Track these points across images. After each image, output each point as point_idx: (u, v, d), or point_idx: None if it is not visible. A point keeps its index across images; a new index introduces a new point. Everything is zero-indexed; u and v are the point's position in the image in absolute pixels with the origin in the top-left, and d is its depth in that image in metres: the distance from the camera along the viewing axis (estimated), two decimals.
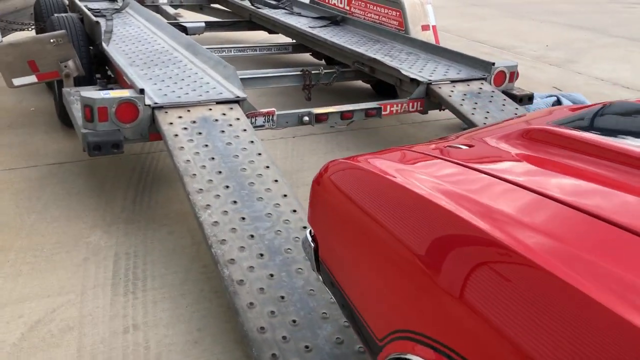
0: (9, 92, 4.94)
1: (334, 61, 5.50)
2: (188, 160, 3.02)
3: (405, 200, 1.51)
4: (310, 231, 1.99)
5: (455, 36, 9.18)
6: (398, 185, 1.55)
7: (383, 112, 4.18)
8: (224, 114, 3.44)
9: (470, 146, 1.80)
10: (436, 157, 1.71)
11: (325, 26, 5.98)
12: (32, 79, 4.12)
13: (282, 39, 6.65)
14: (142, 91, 3.38)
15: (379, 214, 1.59)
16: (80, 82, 4.19)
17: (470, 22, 10.85)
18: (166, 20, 6.12)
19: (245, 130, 3.34)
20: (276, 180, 2.98)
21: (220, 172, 2.97)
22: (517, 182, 1.40)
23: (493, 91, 4.28)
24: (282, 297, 2.32)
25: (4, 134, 4.57)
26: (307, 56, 6.56)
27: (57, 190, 3.71)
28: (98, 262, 2.97)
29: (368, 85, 6.00)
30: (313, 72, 5.08)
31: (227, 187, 2.88)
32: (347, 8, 6.23)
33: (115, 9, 5.86)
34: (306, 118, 3.94)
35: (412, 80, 4.31)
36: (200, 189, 2.83)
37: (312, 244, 1.94)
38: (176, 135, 3.20)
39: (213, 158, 3.07)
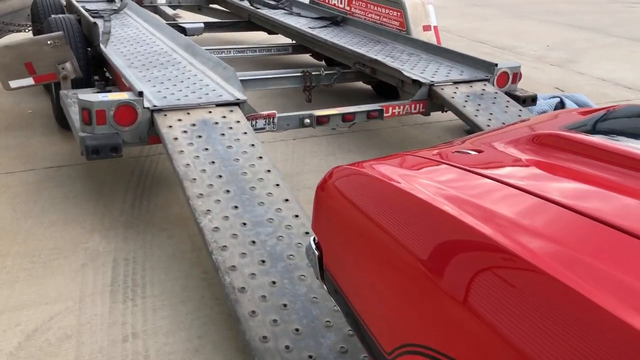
0: (5, 94, 4.88)
1: (335, 62, 5.45)
2: (188, 164, 2.97)
3: (412, 207, 1.46)
4: (314, 238, 1.94)
5: (456, 36, 9.14)
6: (405, 192, 1.50)
7: (385, 114, 4.13)
8: (224, 117, 3.39)
9: (478, 151, 1.75)
10: (445, 163, 1.66)
11: (325, 27, 5.93)
12: (29, 81, 4.06)
13: (281, 39, 6.60)
14: (140, 94, 3.32)
15: (386, 221, 1.54)
16: (78, 84, 4.14)
17: (471, 22, 10.80)
18: (165, 21, 6.08)
19: (245, 133, 3.29)
20: (277, 185, 2.93)
21: (220, 176, 2.92)
22: (530, 190, 1.35)
23: (496, 92, 4.23)
24: (285, 305, 2.27)
25: (1, 136, 4.52)
26: (307, 57, 6.51)
27: (55, 193, 3.65)
28: (96, 268, 2.92)
29: (369, 87, 5.95)
30: (314, 73, 5.02)
31: (228, 191, 2.82)
32: (348, 8, 6.18)
33: (114, 9, 5.81)
34: (307, 120, 3.89)
35: (414, 81, 4.26)
36: (201, 194, 2.78)
37: (316, 252, 1.89)
38: (176, 138, 3.15)
39: (213, 162, 3.01)
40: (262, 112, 3.73)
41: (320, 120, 3.93)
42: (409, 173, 1.67)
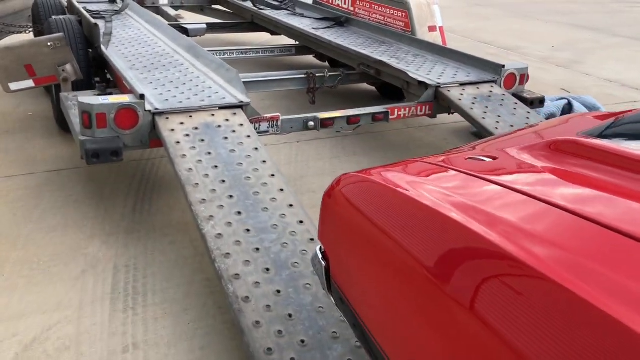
0: (6, 97, 4.82)
1: (338, 63, 5.39)
2: (190, 169, 2.90)
3: (426, 218, 1.39)
4: (320, 248, 1.87)
5: (460, 37, 9.06)
6: (418, 201, 1.43)
7: (391, 117, 4.06)
8: (227, 120, 3.32)
9: (493, 158, 1.68)
10: (458, 171, 1.58)
11: (329, 27, 5.86)
12: (29, 83, 4.00)
13: (284, 40, 6.53)
14: (142, 96, 3.26)
15: (396, 231, 1.48)
16: (78, 86, 4.08)
17: (475, 22, 10.73)
18: (167, 22, 6.01)
19: (249, 136, 3.22)
20: (282, 190, 2.86)
21: (223, 181, 2.85)
22: (548, 200, 1.28)
23: (504, 94, 4.16)
24: (290, 315, 2.20)
25: (1, 140, 4.46)
26: (310, 58, 6.44)
27: (55, 198, 3.59)
28: (97, 275, 2.85)
29: (373, 88, 5.88)
30: (317, 75, 4.96)
31: (231, 196, 2.76)
32: (352, 9, 6.11)
33: (115, 10, 5.75)
34: (311, 123, 3.82)
35: (420, 83, 4.19)
36: (203, 199, 2.71)
37: (323, 262, 1.82)
38: (178, 142, 3.08)
39: (216, 166, 2.95)
40: (265, 115, 3.66)
41: (325, 123, 3.86)
42: (421, 181, 1.60)
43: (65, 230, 3.23)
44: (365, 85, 5.82)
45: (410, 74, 4.28)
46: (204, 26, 6.34)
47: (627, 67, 7.74)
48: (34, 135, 4.55)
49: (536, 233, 1.21)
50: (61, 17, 4.63)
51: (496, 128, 3.75)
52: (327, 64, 6.17)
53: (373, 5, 5.79)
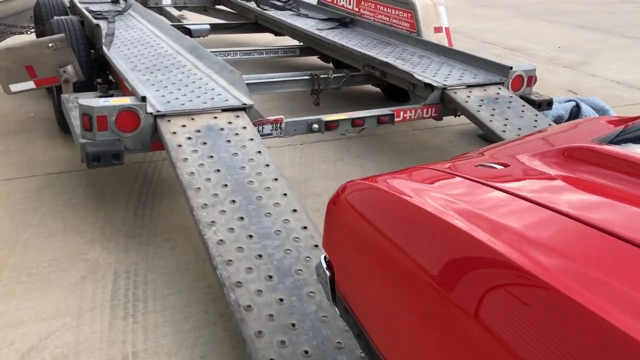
0: (7, 97, 4.77)
1: (343, 64, 5.32)
2: (192, 173, 2.84)
3: (435, 228, 1.33)
4: (325, 257, 1.81)
5: (465, 37, 8.99)
6: (427, 211, 1.37)
7: (396, 119, 3.99)
8: (230, 123, 3.27)
9: (504, 165, 1.61)
10: (468, 179, 1.52)
11: (333, 28, 5.80)
12: (30, 84, 3.96)
13: (288, 41, 6.47)
14: (143, 99, 3.20)
15: (404, 241, 1.42)
16: (80, 87, 4.03)
17: (480, 23, 10.65)
18: (170, 23, 5.96)
19: (252, 139, 3.16)
20: (285, 194, 2.80)
21: (226, 185, 2.80)
22: (566, 212, 1.22)
23: (511, 96, 4.09)
24: (293, 325, 2.14)
25: (2, 141, 4.41)
26: (314, 59, 6.38)
27: (56, 201, 3.54)
28: (96, 281, 2.80)
29: (378, 89, 5.82)
30: (322, 76, 4.90)
31: (234, 201, 2.70)
32: (356, 9, 6.05)
33: (118, 11, 5.70)
34: (315, 126, 3.76)
35: (426, 85, 4.13)
36: (205, 204, 2.65)
37: (328, 272, 1.76)
38: (180, 145, 3.03)
39: (218, 170, 2.89)
40: (269, 118, 3.60)
41: (329, 126, 3.80)
42: (430, 189, 1.54)
43: (65, 235, 3.18)
44: (370, 87, 5.76)
45: (416, 76, 4.21)
46: (208, 27, 6.29)
47: (634, 68, 7.66)
48: (35, 137, 4.50)
49: (552, 245, 1.15)
50: (62, 17, 4.58)
51: (504, 131, 3.69)
52: (331, 65, 6.11)
53: (378, 6, 5.73)
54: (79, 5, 5.18)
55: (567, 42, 9.22)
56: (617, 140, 1.64)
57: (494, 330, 1.06)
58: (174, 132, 3.12)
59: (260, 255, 2.42)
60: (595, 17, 11.82)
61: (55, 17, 4.57)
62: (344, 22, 5.91)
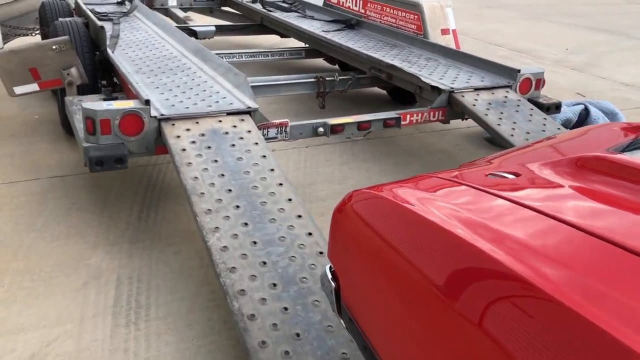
0: (12, 99, 4.74)
1: (349, 67, 5.28)
2: (196, 178, 2.81)
3: (446, 241, 1.29)
4: (330, 267, 1.77)
5: (472, 39, 8.93)
6: (439, 226, 1.32)
7: (402, 122, 3.95)
8: (235, 126, 3.23)
9: (515, 174, 1.57)
10: (478, 189, 1.48)
11: (339, 30, 5.76)
12: (34, 87, 3.93)
13: (294, 43, 6.43)
14: (147, 102, 3.17)
15: (410, 251, 1.38)
16: (84, 90, 4.00)
17: (486, 24, 10.59)
18: (175, 24, 5.93)
19: (257, 143, 3.13)
20: (290, 199, 2.76)
21: (230, 190, 2.76)
22: (584, 227, 1.18)
23: (519, 100, 4.04)
24: (298, 335, 2.10)
25: (6, 144, 4.39)
26: (320, 61, 6.34)
27: (59, 205, 3.51)
28: (99, 287, 2.77)
29: (384, 92, 5.77)
30: (327, 79, 4.86)
31: (238, 207, 2.66)
32: (362, 11, 6.01)
33: (123, 12, 5.67)
34: (321, 129, 3.72)
35: (433, 88, 4.08)
36: (209, 210, 2.62)
37: (333, 283, 1.72)
38: (184, 149, 2.99)
39: (223, 175, 2.85)
40: (274, 121, 3.56)
41: (335, 129, 3.76)
42: (440, 200, 1.49)
43: (68, 239, 3.15)
44: (376, 89, 5.72)
45: (423, 79, 4.17)
46: (213, 28, 6.26)
47: None
48: (40, 140, 4.48)
49: (566, 261, 1.11)
50: (67, 19, 4.56)
51: (512, 135, 3.64)
52: (337, 67, 6.07)
53: (384, 8, 5.68)
54: (83, 7, 5.16)
55: (575, 43, 9.15)
56: (631, 148, 1.60)
57: (500, 343, 1.03)
58: (178, 136, 3.09)
59: (264, 263, 2.39)
60: (603, 18, 11.73)
61: (60, 19, 4.55)
62: (350, 23, 5.87)
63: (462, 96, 3.98)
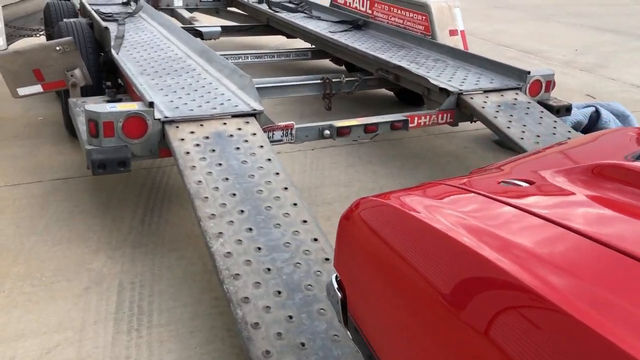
0: (16, 101, 4.71)
1: (356, 68, 5.22)
2: (200, 181, 2.76)
3: (455, 251, 1.24)
4: (336, 276, 1.72)
5: (480, 40, 8.86)
6: (450, 237, 1.27)
7: (410, 125, 3.89)
8: (240, 129, 3.18)
9: (529, 182, 1.51)
10: (490, 198, 1.42)
11: (346, 31, 5.70)
12: (38, 88, 3.89)
13: (300, 44, 6.38)
14: (151, 104, 3.12)
15: (419, 261, 1.33)
16: (88, 91, 3.96)
17: (494, 25, 10.51)
18: (181, 25, 5.89)
19: (262, 146, 3.07)
20: (295, 204, 2.71)
21: (234, 194, 2.71)
22: (603, 240, 1.12)
23: (529, 102, 3.97)
24: (303, 344, 2.05)
25: (10, 145, 4.36)
26: (327, 62, 6.29)
27: (61, 208, 3.47)
28: (100, 292, 2.72)
29: (391, 93, 5.71)
30: (334, 80, 4.80)
31: (242, 211, 2.61)
32: (369, 12, 5.95)
33: (128, 13, 5.63)
34: (327, 132, 3.67)
35: (442, 89, 4.02)
36: (213, 214, 2.57)
37: (339, 294, 1.66)
38: (188, 152, 2.94)
39: (227, 178, 2.80)
40: (279, 124, 3.51)
41: (341, 132, 3.70)
42: (451, 209, 1.43)
43: (70, 243, 3.10)
44: (383, 91, 5.66)
45: (431, 80, 4.11)
46: (219, 29, 6.21)
47: None
48: (43, 141, 4.44)
49: (581, 273, 1.06)
50: (71, 20, 4.52)
51: (522, 138, 3.57)
52: (344, 68, 6.02)
53: (392, 8, 5.62)
54: (88, 7, 5.12)
55: (584, 44, 9.06)
56: None
57: (508, 354, 1.00)
58: (182, 139, 3.04)
59: (268, 269, 2.33)
60: (612, 19, 11.63)
61: (64, 20, 4.51)
62: (356, 24, 5.81)
63: (471, 98, 3.92)
